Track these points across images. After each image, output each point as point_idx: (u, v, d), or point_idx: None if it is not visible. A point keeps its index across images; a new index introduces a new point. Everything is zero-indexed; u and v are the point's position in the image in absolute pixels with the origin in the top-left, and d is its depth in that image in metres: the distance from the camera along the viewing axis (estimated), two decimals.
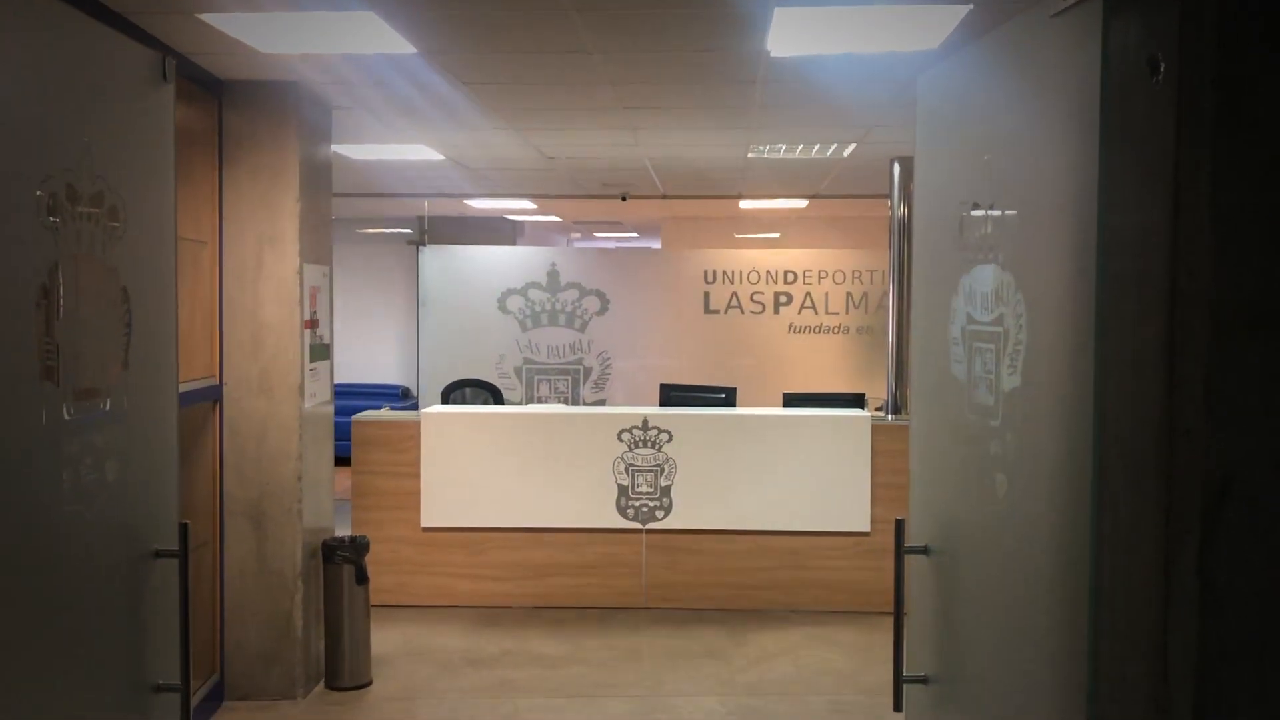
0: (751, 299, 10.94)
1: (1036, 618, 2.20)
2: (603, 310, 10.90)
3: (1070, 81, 2.05)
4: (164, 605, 2.83)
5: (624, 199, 9.96)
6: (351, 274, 11.86)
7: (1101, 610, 1.89)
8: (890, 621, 2.93)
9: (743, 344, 10.92)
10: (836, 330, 10.94)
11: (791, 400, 7.70)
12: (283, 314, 5.24)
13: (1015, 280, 2.32)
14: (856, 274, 10.91)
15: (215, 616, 5.27)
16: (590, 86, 5.23)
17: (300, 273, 5.26)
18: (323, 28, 4.19)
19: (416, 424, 6.89)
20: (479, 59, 4.74)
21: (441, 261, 10.99)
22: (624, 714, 5.22)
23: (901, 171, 6.99)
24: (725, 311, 10.96)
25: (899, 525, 2.87)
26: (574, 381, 10.90)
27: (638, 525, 6.83)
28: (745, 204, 10.75)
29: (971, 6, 3.80)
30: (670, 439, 6.84)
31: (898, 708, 2.88)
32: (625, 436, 6.84)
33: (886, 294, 7.55)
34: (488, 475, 6.82)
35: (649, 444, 6.84)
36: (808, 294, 10.94)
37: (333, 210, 5.84)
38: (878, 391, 7.89)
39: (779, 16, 3.96)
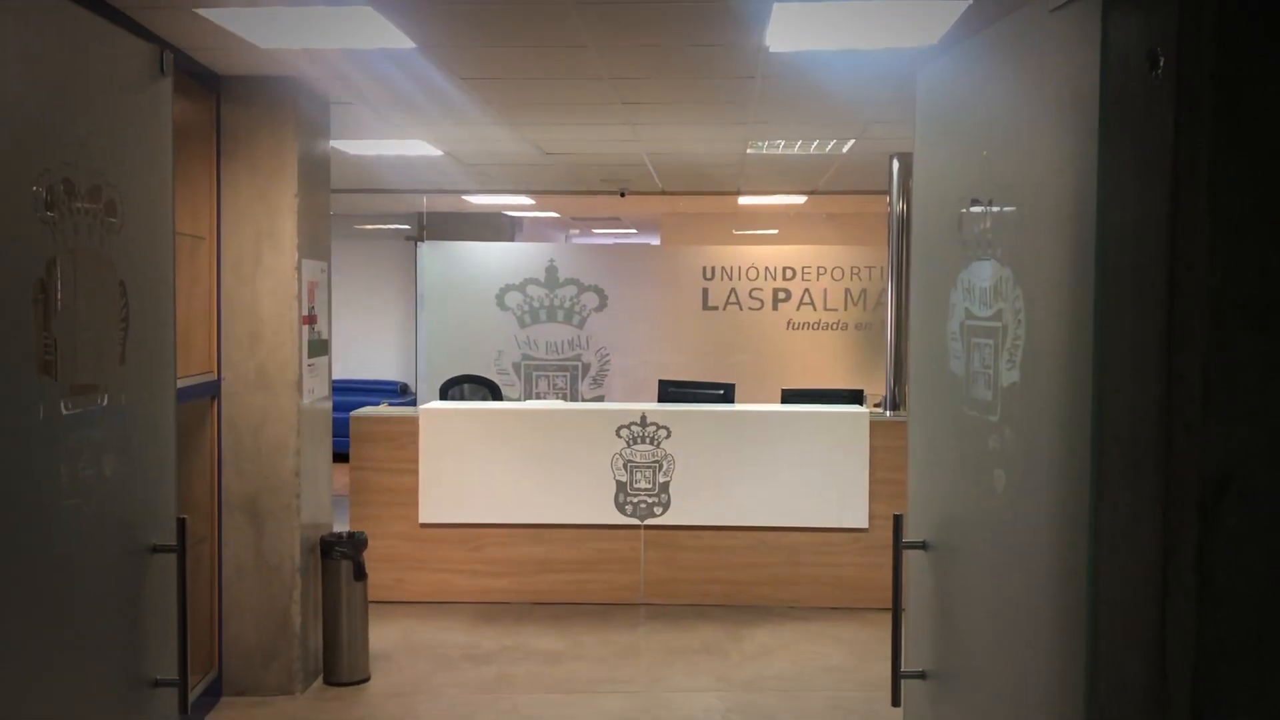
0: (750, 295, 10.94)
1: (1035, 613, 2.20)
2: (601, 306, 10.91)
3: (1069, 76, 2.05)
4: (162, 600, 2.83)
5: (623, 195, 9.95)
6: (350, 270, 11.84)
7: (1100, 605, 1.89)
8: (888, 617, 2.93)
9: (741, 340, 10.93)
10: (835, 326, 10.94)
11: (790, 396, 7.69)
12: (281, 309, 5.24)
13: (1014, 275, 2.32)
14: (855, 270, 10.92)
15: (213, 612, 5.27)
16: (588, 82, 5.22)
17: (298, 268, 5.26)
18: (321, 23, 4.18)
19: (415, 420, 6.89)
20: (477, 54, 4.74)
21: (440, 257, 10.98)
22: (622, 710, 5.22)
23: (900, 167, 7.00)
24: (724, 308, 10.97)
25: (897, 521, 2.87)
26: (572, 377, 10.90)
27: (636, 521, 6.84)
28: (744, 200, 10.73)
29: (971, 1, 3.80)
30: (669, 435, 6.83)
31: (896, 703, 2.89)
32: (624, 433, 6.84)
33: (885, 290, 7.56)
34: (486, 471, 6.82)
35: (647, 440, 6.84)
36: (806, 290, 10.94)
37: (331, 206, 5.83)
38: (876, 388, 7.89)
39: (778, 11, 3.95)
